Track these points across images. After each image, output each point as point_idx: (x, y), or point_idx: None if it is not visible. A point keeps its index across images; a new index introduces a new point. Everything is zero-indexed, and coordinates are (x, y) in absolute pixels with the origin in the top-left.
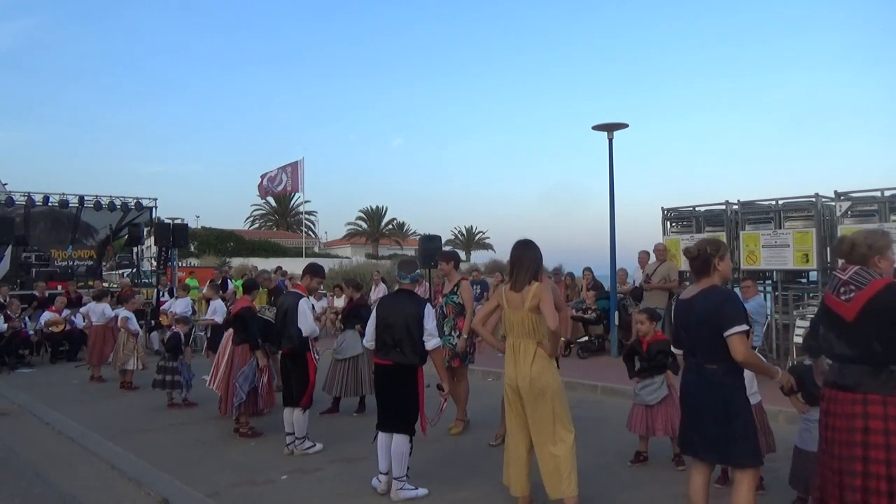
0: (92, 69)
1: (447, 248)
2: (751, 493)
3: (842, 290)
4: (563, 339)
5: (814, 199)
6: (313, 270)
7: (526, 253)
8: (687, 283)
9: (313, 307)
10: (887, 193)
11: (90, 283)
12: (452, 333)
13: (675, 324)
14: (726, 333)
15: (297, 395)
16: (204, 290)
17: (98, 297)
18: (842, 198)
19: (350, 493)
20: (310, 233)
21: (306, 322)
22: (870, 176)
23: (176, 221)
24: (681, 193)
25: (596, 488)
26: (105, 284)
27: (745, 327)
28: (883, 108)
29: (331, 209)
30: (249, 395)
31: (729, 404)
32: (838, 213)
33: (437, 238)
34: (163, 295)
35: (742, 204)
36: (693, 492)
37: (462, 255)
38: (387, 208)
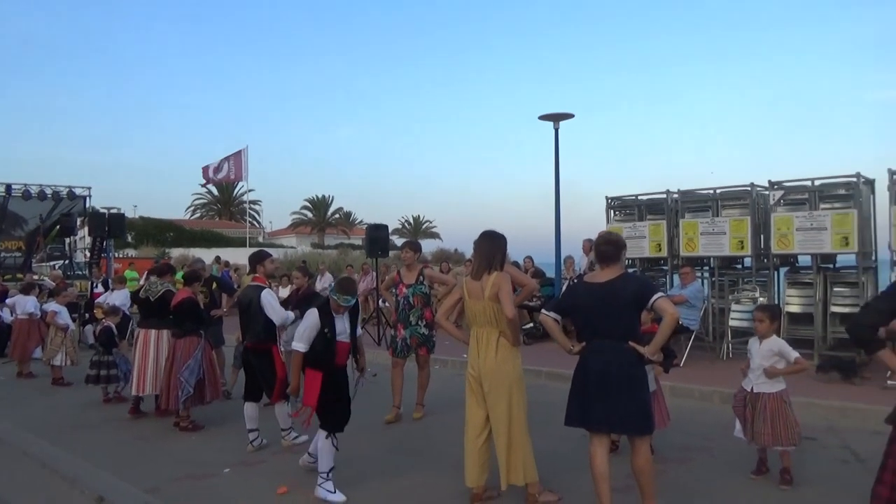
0: (19, 50)
1: (407, 240)
2: (650, 455)
3: None
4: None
5: (749, 189)
6: (259, 257)
7: (486, 243)
8: (633, 270)
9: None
10: (817, 183)
11: (19, 275)
12: (420, 323)
13: (580, 304)
14: (652, 299)
15: (268, 391)
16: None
17: (25, 290)
18: (775, 187)
19: (293, 485)
20: (254, 222)
21: (276, 312)
22: (800, 166)
23: (112, 211)
24: (626, 182)
25: (547, 472)
26: (35, 277)
27: (662, 293)
28: (814, 101)
29: (275, 198)
30: (196, 388)
31: (642, 380)
32: (772, 202)
33: (384, 227)
34: (97, 287)
35: (682, 193)
36: (599, 465)
37: None
38: (333, 197)
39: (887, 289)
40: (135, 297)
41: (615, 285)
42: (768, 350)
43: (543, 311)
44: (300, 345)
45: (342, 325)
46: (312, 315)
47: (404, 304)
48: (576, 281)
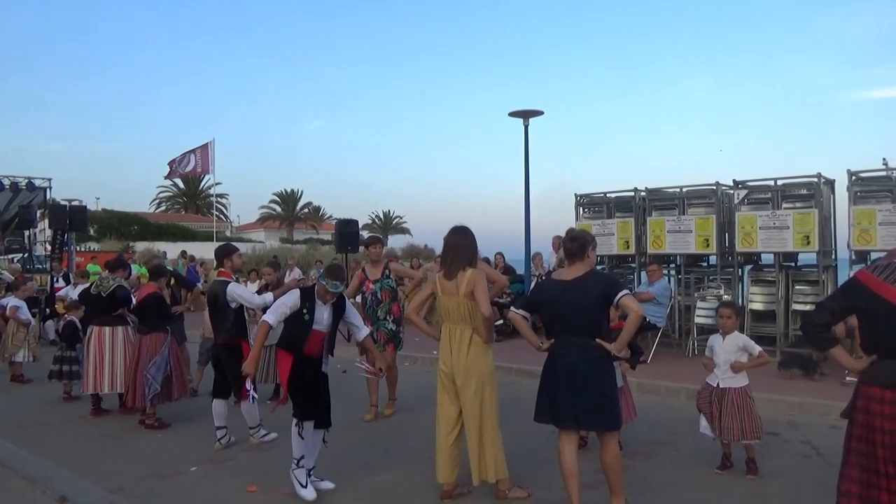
0: None
1: (372, 234)
2: (618, 450)
3: None
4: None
5: (714, 188)
6: (227, 251)
7: (459, 239)
8: (602, 267)
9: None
10: (780, 182)
11: None
12: (387, 318)
13: (548, 301)
14: (618, 297)
15: (236, 388)
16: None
17: None
18: (739, 186)
19: (262, 484)
20: (221, 216)
21: (250, 298)
22: (768, 164)
23: (73, 203)
24: (594, 180)
25: (517, 468)
26: None
27: (628, 291)
28: (776, 102)
29: (243, 192)
30: (163, 385)
31: (609, 376)
32: (736, 201)
33: (353, 222)
34: (57, 281)
35: (649, 191)
36: (568, 461)
37: None
38: (302, 192)
39: (839, 289)
40: (85, 293)
41: (582, 282)
42: (734, 345)
43: (512, 308)
44: (270, 316)
45: (321, 314)
46: (294, 295)
47: (372, 300)
48: (544, 278)
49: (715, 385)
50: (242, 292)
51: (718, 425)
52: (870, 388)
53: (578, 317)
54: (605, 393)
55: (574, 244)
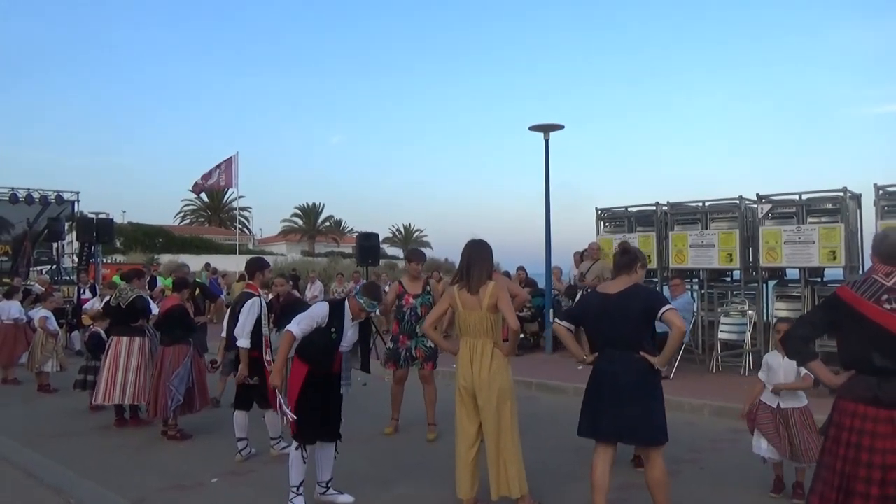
0: (6, 51)
1: (414, 249)
2: (664, 467)
3: (885, 297)
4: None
5: (738, 202)
6: (260, 265)
7: (480, 253)
8: None
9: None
10: (805, 197)
11: (6, 280)
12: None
13: (592, 314)
14: (661, 311)
15: (259, 397)
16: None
17: (8, 295)
18: (763, 200)
19: (283, 494)
20: (244, 229)
21: (244, 324)
22: (793, 178)
23: (100, 216)
24: (614, 193)
25: (536, 484)
26: (24, 282)
27: (671, 306)
28: (806, 114)
29: (266, 205)
30: (185, 396)
31: (654, 389)
32: (760, 215)
33: (374, 236)
34: (84, 293)
35: (671, 205)
36: (599, 475)
37: (399, 253)
38: (324, 205)
39: (820, 303)
40: (108, 305)
41: (626, 296)
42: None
43: (556, 320)
44: (296, 327)
45: (348, 332)
46: (322, 308)
47: (411, 315)
48: (589, 291)
49: (775, 406)
50: (248, 314)
51: (787, 446)
52: (844, 402)
53: (621, 330)
54: (650, 406)
55: (625, 258)
